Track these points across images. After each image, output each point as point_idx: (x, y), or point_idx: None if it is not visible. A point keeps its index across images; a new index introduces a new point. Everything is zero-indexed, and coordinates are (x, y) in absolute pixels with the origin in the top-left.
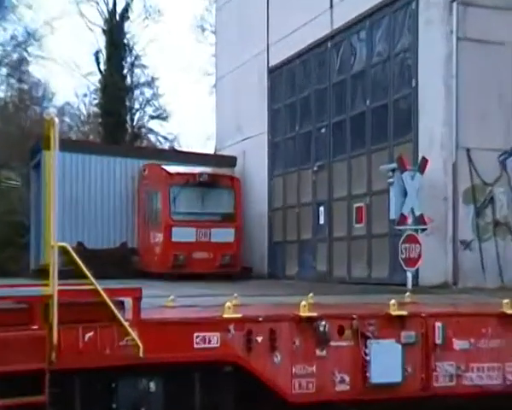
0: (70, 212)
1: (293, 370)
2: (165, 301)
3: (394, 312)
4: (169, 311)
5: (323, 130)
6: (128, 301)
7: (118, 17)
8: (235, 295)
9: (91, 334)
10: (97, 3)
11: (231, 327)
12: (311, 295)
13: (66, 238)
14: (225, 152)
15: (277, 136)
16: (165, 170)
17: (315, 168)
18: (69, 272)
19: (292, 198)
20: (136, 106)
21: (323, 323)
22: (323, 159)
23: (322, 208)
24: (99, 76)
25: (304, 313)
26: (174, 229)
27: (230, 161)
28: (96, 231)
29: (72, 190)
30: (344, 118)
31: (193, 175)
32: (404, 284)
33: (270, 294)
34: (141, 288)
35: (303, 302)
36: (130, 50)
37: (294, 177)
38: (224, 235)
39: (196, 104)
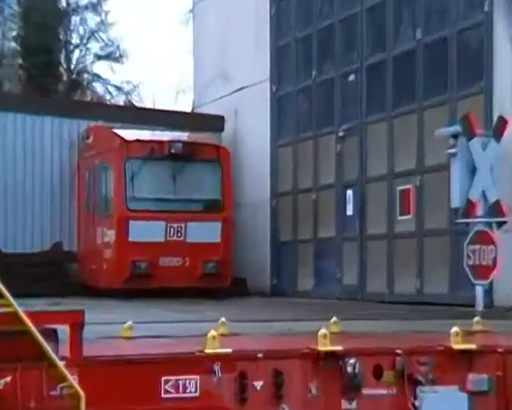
0: None
1: None
2: (118, 329)
3: (457, 345)
4: (124, 344)
5: (352, 77)
6: (64, 331)
7: None
8: (223, 320)
9: (8, 379)
10: None
11: (217, 367)
12: (334, 320)
13: None
14: (207, 110)
15: (284, 86)
16: (118, 136)
17: (340, 133)
18: None
19: (306, 178)
20: (75, 40)
21: (353, 361)
22: (352, 119)
23: (350, 192)
24: None
25: (324, 346)
26: (132, 223)
27: (215, 124)
28: (14, 227)
29: None
30: (383, 58)
31: (160, 144)
32: (472, 305)
33: (275, 318)
34: (82, 310)
35: (322, 331)
36: None
37: (309, 146)
38: (207, 232)
39: (164, 40)
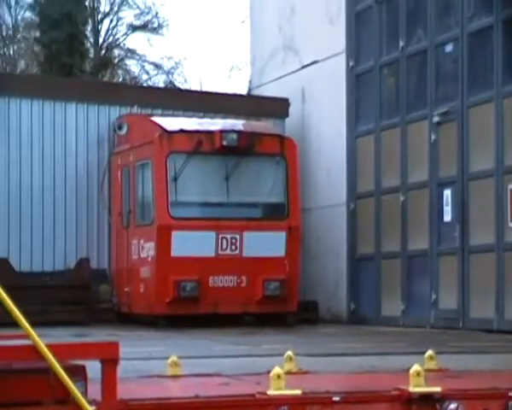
0: None
1: None
2: (161, 365)
3: None
4: (169, 384)
5: (450, 46)
6: (94, 367)
7: None
8: (289, 353)
9: None
10: None
11: None
12: (429, 353)
13: None
14: (268, 92)
15: (364, 61)
16: (158, 126)
17: (435, 119)
18: None
19: (392, 175)
20: (104, 7)
21: (454, 406)
22: (450, 101)
23: (448, 193)
24: None
25: (418, 386)
26: (176, 234)
27: (278, 108)
28: (31, 241)
29: None
30: (489, 23)
31: (210, 135)
32: None
33: (353, 352)
34: (117, 342)
35: (415, 368)
36: None
37: (396, 135)
38: (268, 244)
39: (214, 5)
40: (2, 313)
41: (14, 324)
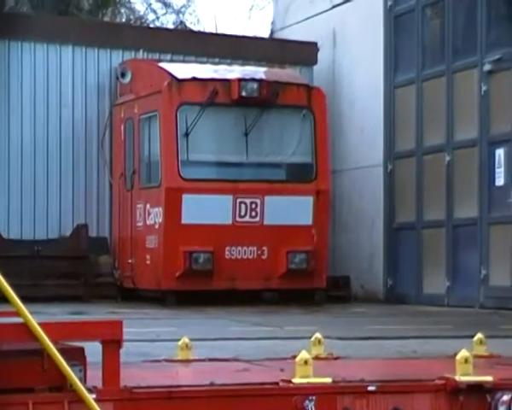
0: None
1: None
2: (170, 348)
3: None
4: (179, 370)
5: None
6: (94, 350)
7: None
8: (318, 336)
9: None
10: None
11: (310, 404)
12: (478, 337)
13: None
14: (293, 35)
15: None
16: (168, 73)
17: (486, 66)
18: None
19: (436, 132)
20: None
21: (507, 398)
22: (504, 46)
23: (500, 153)
24: None
25: (465, 375)
26: (187, 198)
27: (304, 54)
28: (21, 205)
29: None
30: None
31: (226, 84)
32: None
33: (392, 335)
34: (120, 321)
35: (463, 354)
36: None
37: (441, 85)
38: (293, 210)
39: None
40: None
41: (2, 299)
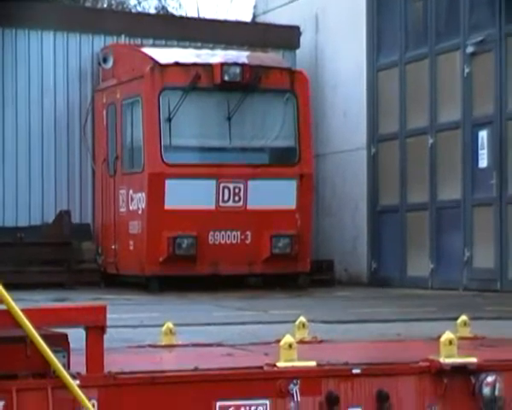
0: None
1: None
2: (153, 334)
3: None
4: (163, 355)
5: None
6: (77, 336)
7: None
8: (302, 320)
9: (1, 405)
10: None
11: (295, 388)
12: (462, 319)
13: None
14: (275, 18)
15: None
16: (150, 58)
17: (469, 49)
18: None
19: (419, 114)
20: None
21: (491, 379)
22: (486, 28)
23: (483, 135)
24: None
25: (449, 357)
26: (170, 183)
27: (286, 38)
28: (3, 191)
29: None
30: None
31: (209, 68)
32: None
33: (375, 318)
34: (104, 306)
35: (447, 336)
36: None
37: (424, 68)
38: (277, 194)
39: None
40: None
41: None
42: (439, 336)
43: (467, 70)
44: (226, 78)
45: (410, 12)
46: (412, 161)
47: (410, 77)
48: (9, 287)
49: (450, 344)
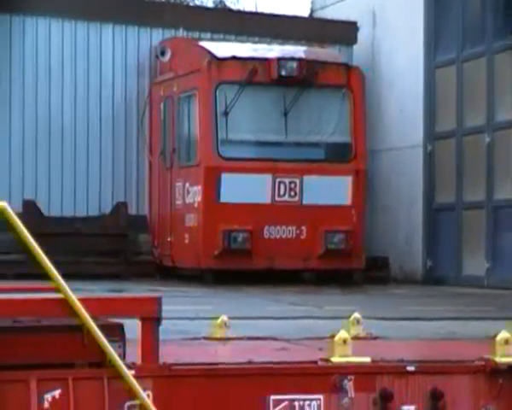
0: (4, 145)
1: None
2: (207, 326)
3: None
4: (217, 348)
5: None
6: (133, 326)
7: None
8: (356, 315)
9: (57, 393)
10: None
11: (348, 384)
12: None
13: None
14: (333, 14)
15: None
16: (207, 51)
17: None
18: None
19: (476, 112)
20: None
21: None
22: None
23: None
24: None
25: (505, 356)
26: (226, 177)
27: (344, 34)
28: (61, 182)
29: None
30: None
31: (266, 63)
32: None
33: (430, 316)
34: (159, 298)
35: (502, 335)
36: None
37: (481, 65)
38: (331, 190)
39: None
40: (29, 263)
41: (43, 275)
42: (495, 336)
43: None
44: (283, 72)
45: (468, 8)
46: (469, 160)
47: (467, 75)
48: (66, 277)
49: (507, 344)
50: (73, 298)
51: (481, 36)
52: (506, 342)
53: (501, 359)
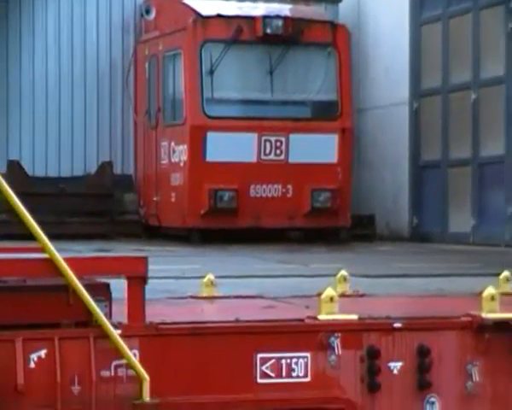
0: None
1: None
2: (194, 285)
3: None
4: (204, 307)
5: None
6: (119, 286)
7: None
8: (343, 273)
9: (42, 353)
10: None
11: (335, 341)
12: (505, 274)
13: None
14: None
15: None
16: (192, 9)
17: None
18: None
19: (462, 69)
20: None
21: None
22: None
23: None
24: None
25: (491, 312)
26: (211, 136)
27: None
28: (46, 143)
29: None
30: None
31: (251, 21)
32: None
33: (418, 273)
34: (145, 257)
35: (489, 291)
36: None
37: (467, 22)
38: (318, 148)
39: None
40: (14, 223)
41: (28, 236)
42: (481, 292)
43: (510, 25)
44: (268, 30)
45: None
46: (454, 117)
47: (453, 31)
48: (51, 238)
49: (492, 300)
50: (59, 258)
51: None
52: (492, 298)
53: (487, 314)
